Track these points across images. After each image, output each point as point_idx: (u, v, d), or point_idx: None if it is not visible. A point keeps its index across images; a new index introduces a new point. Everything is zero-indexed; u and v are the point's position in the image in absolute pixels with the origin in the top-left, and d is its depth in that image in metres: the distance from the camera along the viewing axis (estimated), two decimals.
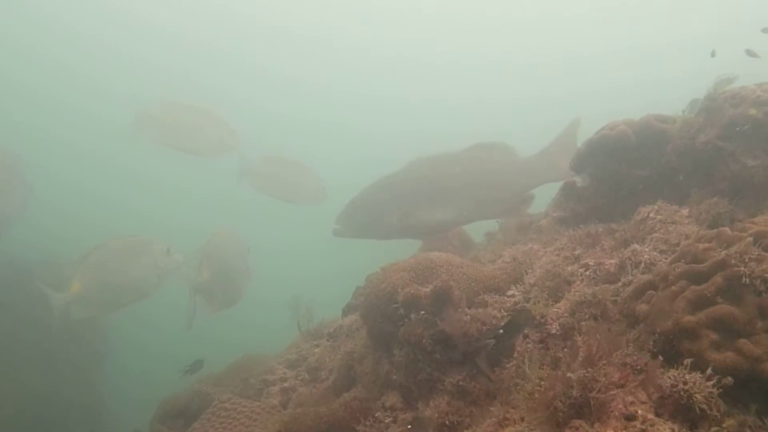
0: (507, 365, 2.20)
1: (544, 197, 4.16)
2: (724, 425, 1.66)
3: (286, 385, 3.11)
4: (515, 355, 2.19)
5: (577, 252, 2.54)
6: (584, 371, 1.78)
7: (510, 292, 2.53)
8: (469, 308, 2.44)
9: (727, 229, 2.05)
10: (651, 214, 2.58)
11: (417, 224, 3.92)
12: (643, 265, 2.25)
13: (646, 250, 2.31)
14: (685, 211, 2.61)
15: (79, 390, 8.08)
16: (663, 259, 2.29)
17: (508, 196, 3.90)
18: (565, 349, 2.06)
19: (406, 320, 2.41)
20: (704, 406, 1.65)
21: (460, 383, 2.29)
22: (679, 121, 2.90)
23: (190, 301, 4.42)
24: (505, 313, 2.33)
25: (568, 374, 1.73)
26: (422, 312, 2.37)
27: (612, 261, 2.37)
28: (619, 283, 2.21)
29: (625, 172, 3.00)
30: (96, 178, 24.13)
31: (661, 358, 1.85)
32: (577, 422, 1.70)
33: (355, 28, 24.58)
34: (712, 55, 3.72)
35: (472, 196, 3.90)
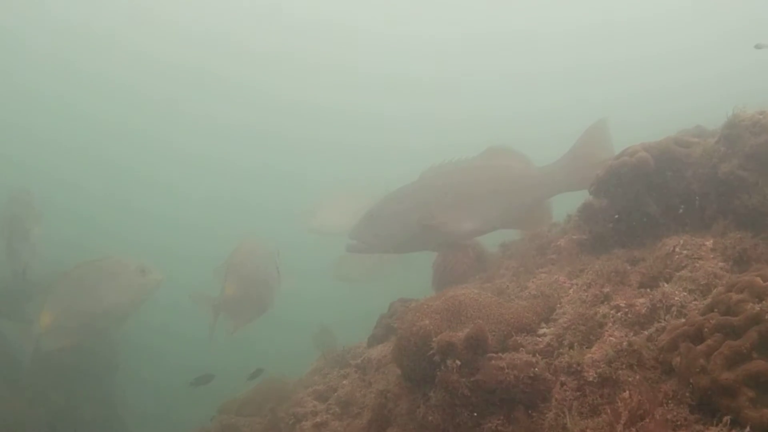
0: (545, 412, 2.27)
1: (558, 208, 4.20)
2: None
3: (318, 420, 3.17)
4: (553, 402, 2.25)
5: (606, 290, 2.59)
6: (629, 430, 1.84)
7: (541, 331, 2.59)
8: (503, 351, 2.50)
9: (759, 279, 2.10)
10: (677, 249, 2.63)
11: (441, 235, 3.94)
12: (674, 308, 2.30)
13: (677, 292, 2.36)
14: (709, 243, 2.65)
15: (93, 404, 8.15)
16: (693, 300, 2.34)
17: (530, 204, 3.93)
18: (604, 401, 2.13)
19: (442, 366, 2.46)
20: None
21: (498, 428, 2.36)
22: (699, 149, 2.93)
23: (212, 317, 4.43)
24: (541, 358, 2.38)
25: None
26: (458, 361, 2.42)
27: (642, 301, 2.42)
28: (653, 328, 2.26)
29: (644, 198, 3.03)
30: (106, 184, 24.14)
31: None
32: None
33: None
34: (757, 47, 3.62)
35: (497, 204, 3.93)
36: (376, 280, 6.90)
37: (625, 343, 2.20)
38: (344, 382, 3.48)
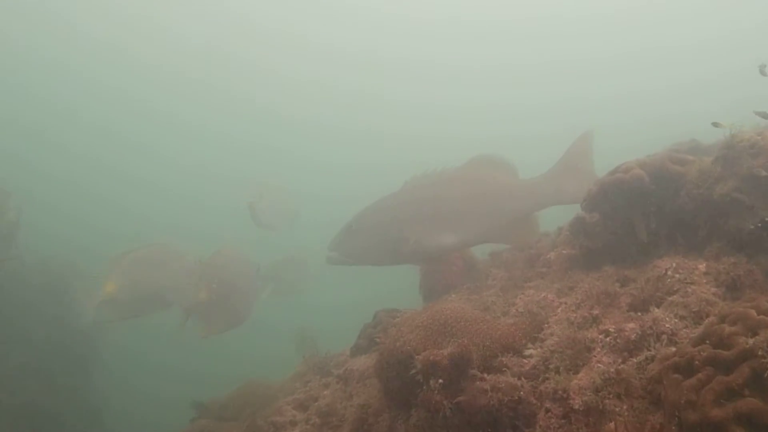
0: None
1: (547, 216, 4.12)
2: None
3: (297, 430, 3.10)
4: (538, 429, 2.19)
5: (595, 312, 2.52)
6: None
7: (527, 352, 2.52)
8: (487, 371, 2.43)
9: (753, 311, 2.04)
10: (669, 272, 2.56)
11: (420, 249, 3.85)
12: (665, 336, 2.24)
13: (668, 318, 2.30)
14: (702, 267, 2.59)
15: (72, 402, 8.04)
16: (684, 328, 2.28)
17: (516, 218, 3.84)
18: (590, 430, 2.07)
19: (424, 386, 2.39)
20: None
21: None
22: (695, 168, 2.86)
23: (182, 317, 4.30)
24: (526, 382, 2.32)
25: None
26: (440, 380, 2.35)
27: (632, 326, 2.36)
28: (642, 356, 2.20)
29: (637, 216, 2.97)
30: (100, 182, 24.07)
31: None
32: None
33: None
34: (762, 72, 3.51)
35: (480, 218, 3.84)
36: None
37: (613, 371, 2.14)
38: (325, 392, 3.40)
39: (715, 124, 2.96)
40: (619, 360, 2.28)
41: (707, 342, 2.07)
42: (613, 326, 2.38)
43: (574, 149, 3.87)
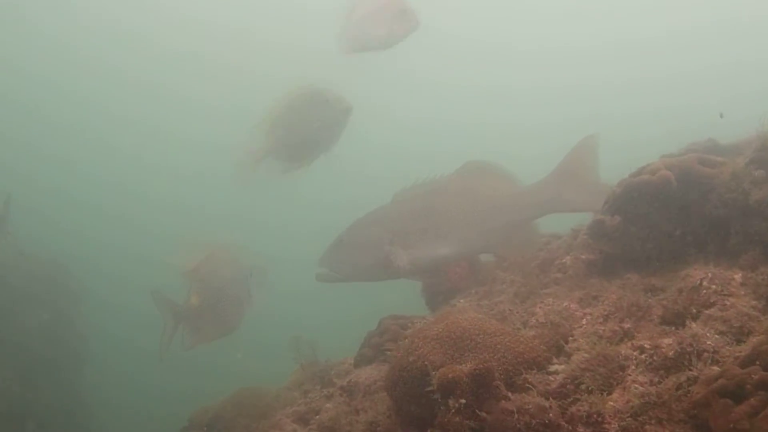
0: None
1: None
2: None
3: None
4: None
5: (626, 326, 2.34)
6: None
7: (552, 368, 2.34)
8: (510, 390, 2.24)
9: None
10: (704, 283, 2.38)
11: (415, 262, 3.63)
12: (706, 354, 2.06)
13: (708, 334, 2.12)
14: (738, 277, 2.41)
15: (59, 395, 7.79)
16: (726, 345, 2.10)
17: (510, 228, 3.63)
18: None
19: (442, 407, 2.19)
20: None
21: None
22: (728, 170, 2.68)
23: (168, 328, 3.96)
24: (554, 402, 2.13)
25: None
26: (462, 401, 2.15)
27: (668, 342, 2.18)
28: (683, 377, 2.02)
29: (663, 221, 2.79)
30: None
31: None
32: None
33: None
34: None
35: (475, 227, 3.62)
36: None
37: (654, 394, 1.95)
38: (328, 404, 3.18)
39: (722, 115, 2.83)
40: (656, 379, 2.10)
41: (757, 363, 1.90)
42: (648, 342, 2.20)
43: (575, 154, 3.62)
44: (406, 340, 2.48)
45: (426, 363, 2.31)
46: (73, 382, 8.25)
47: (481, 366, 2.22)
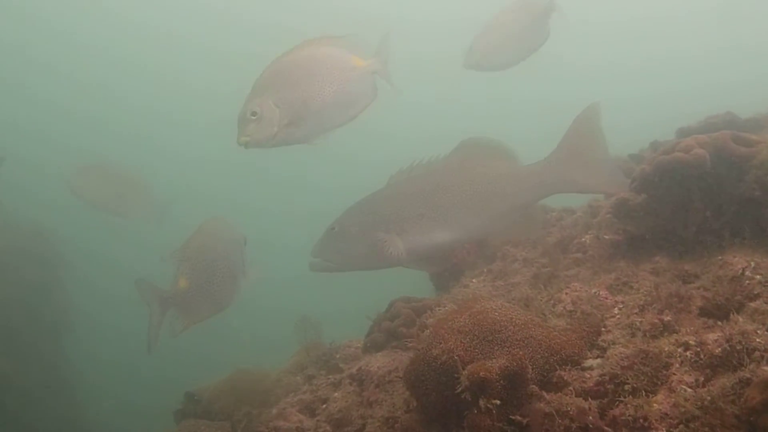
0: None
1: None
2: None
3: None
4: None
5: (666, 318, 2.19)
6: None
7: (587, 363, 2.20)
8: (545, 388, 2.10)
9: None
10: (747, 272, 2.24)
11: (412, 250, 3.41)
12: (757, 353, 1.92)
13: (758, 331, 1.98)
14: None
15: (40, 368, 7.55)
16: None
17: (512, 211, 3.42)
18: None
19: (473, 408, 2.04)
20: None
21: None
22: (765, 151, 2.52)
23: (154, 318, 3.65)
24: (593, 403, 1.99)
25: None
26: (496, 401, 2.00)
27: (714, 337, 2.04)
28: (735, 378, 1.88)
29: (696, 201, 2.64)
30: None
31: None
32: None
33: None
34: None
35: (476, 211, 3.41)
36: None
37: (708, 397, 1.82)
38: (336, 393, 3.02)
39: None
40: (701, 379, 1.97)
41: None
42: (693, 338, 2.06)
43: (578, 129, 3.38)
44: (428, 331, 2.31)
45: (454, 358, 2.14)
46: (53, 353, 8.01)
47: (514, 362, 2.07)
